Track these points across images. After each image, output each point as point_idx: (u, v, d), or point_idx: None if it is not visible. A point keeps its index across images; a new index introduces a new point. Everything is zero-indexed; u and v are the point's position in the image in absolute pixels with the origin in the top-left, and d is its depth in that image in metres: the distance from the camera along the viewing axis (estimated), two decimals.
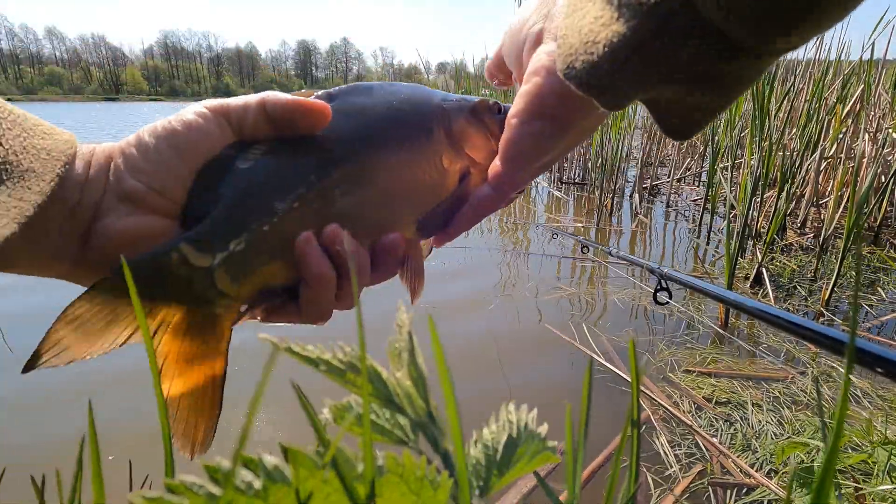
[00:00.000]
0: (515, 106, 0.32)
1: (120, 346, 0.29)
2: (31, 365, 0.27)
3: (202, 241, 0.29)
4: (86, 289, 0.28)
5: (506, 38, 0.36)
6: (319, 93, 0.35)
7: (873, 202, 2.81)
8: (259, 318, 0.34)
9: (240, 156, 0.31)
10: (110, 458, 1.20)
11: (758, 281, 2.30)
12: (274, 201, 0.31)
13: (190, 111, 0.31)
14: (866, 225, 2.91)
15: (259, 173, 0.31)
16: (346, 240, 0.32)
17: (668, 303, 0.72)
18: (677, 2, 0.21)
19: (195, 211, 0.30)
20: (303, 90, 0.35)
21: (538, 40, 0.31)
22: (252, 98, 0.33)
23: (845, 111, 2.86)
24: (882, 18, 2.71)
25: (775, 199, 2.56)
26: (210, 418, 0.30)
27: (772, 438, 1.30)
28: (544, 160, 0.33)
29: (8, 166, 0.27)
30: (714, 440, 1.29)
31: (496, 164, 0.34)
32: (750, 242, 2.76)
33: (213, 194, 0.30)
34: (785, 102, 2.69)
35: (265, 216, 0.30)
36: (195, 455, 0.29)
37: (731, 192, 2.29)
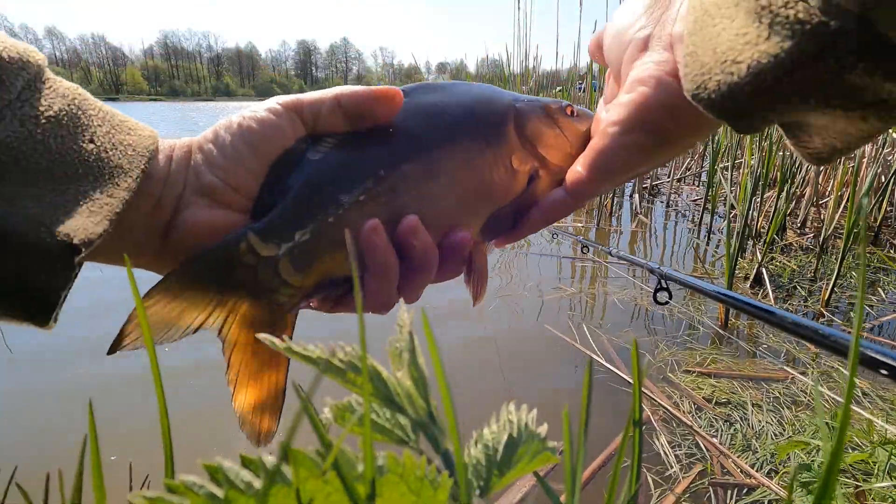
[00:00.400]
0: (616, 113, 0.31)
1: (194, 331, 0.30)
2: (115, 347, 0.29)
3: (268, 231, 0.30)
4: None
5: (608, 35, 0.34)
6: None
7: (873, 202, 2.81)
8: (323, 309, 0.35)
9: (310, 149, 0.32)
10: (112, 458, 1.20)
11: (758, 281, 2.30)
12: (340, 194, 0.31)
13: (263, 107, 0.32)
14: (866, 225, 2.91)
15: (327, 166, 0.32)
16: (421, 233, 0.32)
17: (668, 303, 0.72)
18: (851, 21, 0.18)
19: (265, 203, 0.31)
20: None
21: (644, 45, 0.30)
22: (327, 93, 0.33)
23: None
24: None
25: (775, 199, 2.56)
26: (275, 406, 0.31)
27: (772, 439, 1.30)
28: (634, 173, 0.32)
29: (99, 163, 0.28)
30: (714, 440, 1.29)
31: (578, 170, 0.33)
32: (750, 242, 2.76)
33: (282, 187, 0.31)
34: None
35: (331, 208, 0.31)
36: (262, 443, 0.31)
37: (731, 192, 2.29)
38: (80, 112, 0.29)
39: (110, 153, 0.29)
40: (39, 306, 0.27)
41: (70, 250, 0.26)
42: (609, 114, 0.32)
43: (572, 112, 0.38)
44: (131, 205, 0.29)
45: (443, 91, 0.36)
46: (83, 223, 0.27)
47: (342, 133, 0.33)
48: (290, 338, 0.32)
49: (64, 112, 0.28)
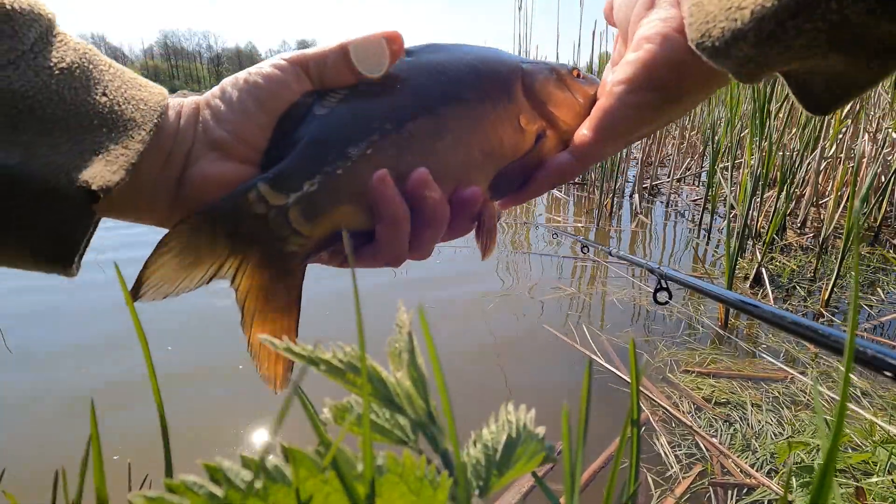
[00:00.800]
0: (622, 72, 0.31)
1: (208, 281, 0.31)
2: (133, 297, 0.28)
3: (278, 180, 0.31)
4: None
5: None
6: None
7: (873, 202, 2.81)
8: (333, 264, 0.35)
9: (317, 102, 0.32)
10: (115, 457, 1.20)
11: (757, 281, 2.30)
12: (348, 146, 0.32)
13: (268, 63, 0.33)
14: (866, 225, 2.91)
15: (335, 119, 0.32)
16: (431, 186, 0.32)
17: (667, 303, 0.72)
18: None
19: (273, 155, 0.32)
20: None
21: (651, 3, 0.30)
22: (332, 44, 0.33)
23: (845, 111, 2.86)
24: None
25: (775, 199, 2.56)
26: None
27: (772, 438, 1.30)
28: (641, 132, 0.32)
29: (113, 115, 0.29)
30: (714, 440, 1.29)
31: (584, 132, 0.34)
32: (750, 242, 2.76)
33: (291, 139, 0.32)
34: (785, 103, 2.69)
35: (339, 160, 0.31)
36: (279, 388, 0.31)
37: (731, 192, 2.29)
38: (91, 66, 0.29)
39: (123, 107, 0.29)
40: (64, 250, 0.28)
41: (89, 197, 0.27)
42: (616, 73, 0.32)
43: (579, 75, 0.39)
44: (145, 157, 0.30)
45: (449, 51, 0.36)
46: (101, 171, 0.27)
47: (349, 87, 0.33)
48: (301, 286, 0.33)
49: (76, 65, 0.28)
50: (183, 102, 0.33)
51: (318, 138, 0.32)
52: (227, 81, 0.33)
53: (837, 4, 0.20)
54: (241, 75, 0.33)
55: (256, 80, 0.32)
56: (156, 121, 0.30)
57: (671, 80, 0.29)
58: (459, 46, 0.37)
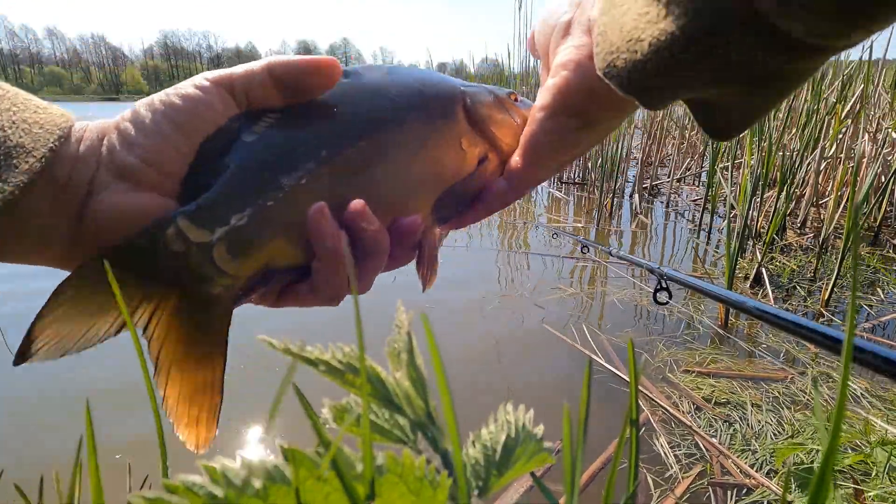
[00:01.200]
0: (541, 98, 0.31)
1: (117, 333, 0.27)
2: (21, 358, 0.25)
3: (201, 214, 0.27)
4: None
5: (538, 24, 0.35)
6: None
7: (873, 202, 2.81)
8: (266, 303, 0.32)
9: (245, 127, 0.29)
10: (117, 456, 1.20)
11: (757, 281, 2.30)
12: (280, 175, 0.29)
13: (189, 83, 0.30)
14: (866, 225, 2.91)
15: (265, 145, 0.29)
16: (370, 216, 0.30)
17: (667, 303, 0.72)
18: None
19: (195, 185, 0.28)
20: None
21: (567, 30, 0.31)
22: (257, 63, 0.30)
23: (845, 111, 2.86)
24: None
25: (775, 199, 2.56)
26: (212, 409, 0.28)
27: (771, 439, 1.30)
28: (565, 157, 0.33)
29: None
30: (714, 441, 1.29)
31: (515, 159, 0.34)
32: (750, 242, 2.76)
33: (215, 168, 0.28)
34: (784, 102, 2.69)
35: (271, 190, 0.28)
36: (200, 449, 0.28)
37: (731, 192, 2.29)
38: None
39: (8, 132, 0.26)
40: None
41: None
42: (537, 100, 0.32)
43: (517, 98, 0.39)
44: (34, 187, 0.26)
45: (387, 72, 0.35)
46: None
47: (281, 109, 0.31)
48: (227, 333, 0.29)
49: None
50: (87, 126, 0.29)
51: (247, 166, 0.28)
52: (140, 103, 0.29)
53: (723, 40, 0.21)
54: (157, 96, 0.29)
55: (174, 101, 0.28)
56: (51, 145, 0.27)
57: (586, 106, 0.30)
58: (398, 68, 0.35)
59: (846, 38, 0.19)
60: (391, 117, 0.32)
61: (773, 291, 2.19)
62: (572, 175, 5.03)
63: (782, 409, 1.42)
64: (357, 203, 0.29)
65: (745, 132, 0.27)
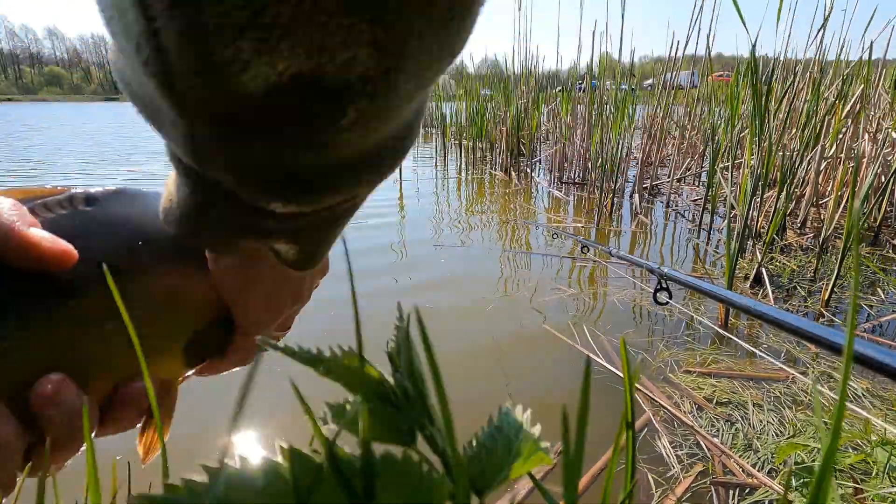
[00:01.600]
0: None
1: None
2: None
3: None
4: None
5: None
6: (76, 191, 0.27)
7: (873, 202, 2.81)
8: None
9: None
10: (118, 457, 1.20)
11: (758, 281, 2.30)
12: None
13: None
14: (866, 225, 2.91)
15: None
16: (64, 397, 0.23)
17: (668, 303, 0.72)
18: (201, 173, 0.21)
19: None
20: (55, 185, 0.27)
21: None
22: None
23: (845, 111, 2.86)
24: (871, 19, 2.72)
25: (775, 199, 2.56)
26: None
27: (773, 438, 1.30)
28: (263, 301, 0.31)
29: None
30: (715, 440, 1.29)
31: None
32: (750, 242, 2.76)
33: None
34: (784, 102, 2.69)
35: None
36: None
37: (731, 192, 2.29)
38: None
39: None
40: None
41: None
42: None
43: None
44: None
45: (134, 201, 0.29)
46: None
47: None
48: None
49: None
50: None
51: None
52: None
53: (213, 207, 0.23)
54: None
55: None
56: None
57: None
58: (146, 195, 0.29)
59: (299, 205, 0.21)
60: (125, 256, 0.27)
61: (773, 291, 2.19)
62: (572, 175, 5.04)
63: (784, 408, 1.42)
64: (54, 379, 0.24)
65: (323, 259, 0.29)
